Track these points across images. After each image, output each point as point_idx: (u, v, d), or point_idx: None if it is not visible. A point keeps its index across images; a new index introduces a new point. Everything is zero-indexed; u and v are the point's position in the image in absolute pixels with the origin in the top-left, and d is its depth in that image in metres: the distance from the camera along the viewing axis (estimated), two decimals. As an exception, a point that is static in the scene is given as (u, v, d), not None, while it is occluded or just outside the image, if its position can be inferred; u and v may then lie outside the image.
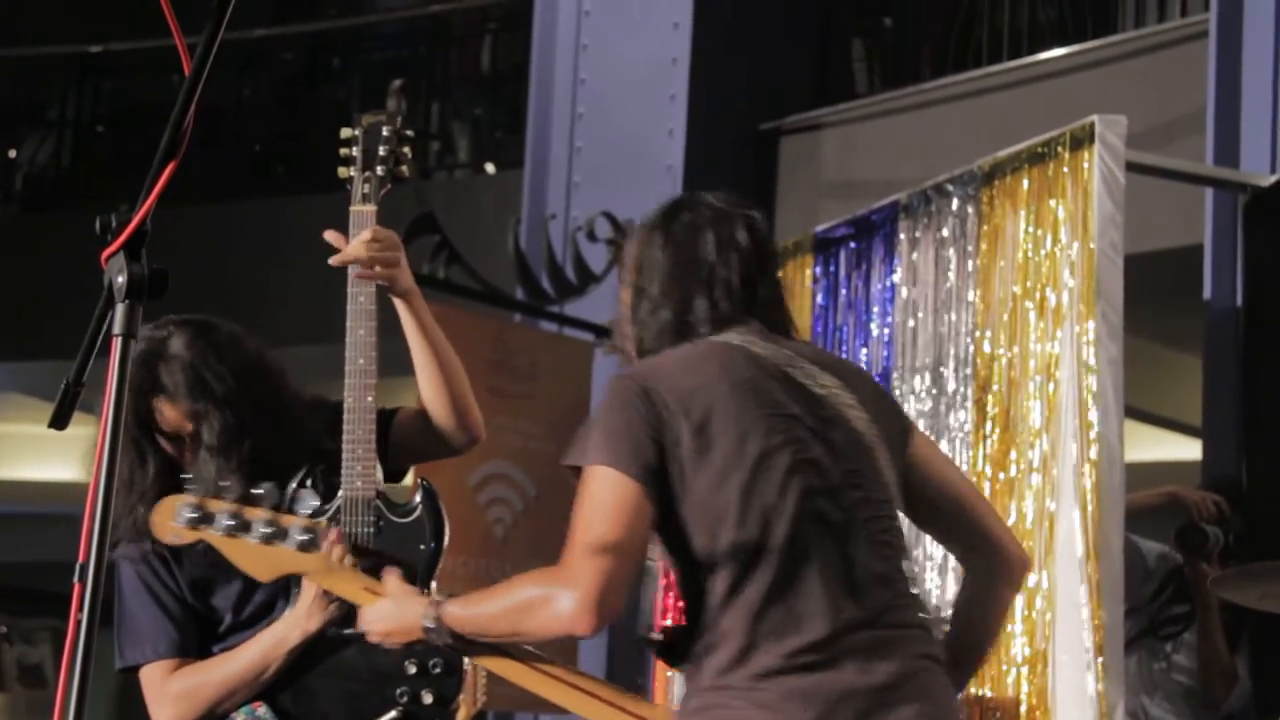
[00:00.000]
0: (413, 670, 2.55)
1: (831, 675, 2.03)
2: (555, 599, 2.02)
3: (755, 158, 6.30)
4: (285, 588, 2.57)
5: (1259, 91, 4.74)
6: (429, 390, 2.62)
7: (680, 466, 2.07)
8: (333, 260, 2.57)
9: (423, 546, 2.59)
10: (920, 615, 2.16)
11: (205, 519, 2.31)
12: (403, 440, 2.66)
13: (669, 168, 6.03)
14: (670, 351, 2.18)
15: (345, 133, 2.63)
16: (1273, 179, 4.48)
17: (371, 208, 2.60)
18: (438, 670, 2.56)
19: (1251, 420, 4.42)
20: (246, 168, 9.08)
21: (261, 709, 2.55)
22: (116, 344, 1.69)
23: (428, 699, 2.56)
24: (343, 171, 2.63)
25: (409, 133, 2.67)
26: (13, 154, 9.82)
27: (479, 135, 8.58)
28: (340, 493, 2.56)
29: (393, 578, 2.30)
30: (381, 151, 2.61)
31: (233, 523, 2.32)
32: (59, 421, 1.85)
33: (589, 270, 6.02)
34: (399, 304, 2.59)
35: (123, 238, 1.68)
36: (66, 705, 1.60)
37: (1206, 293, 4.68)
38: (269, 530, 2.33)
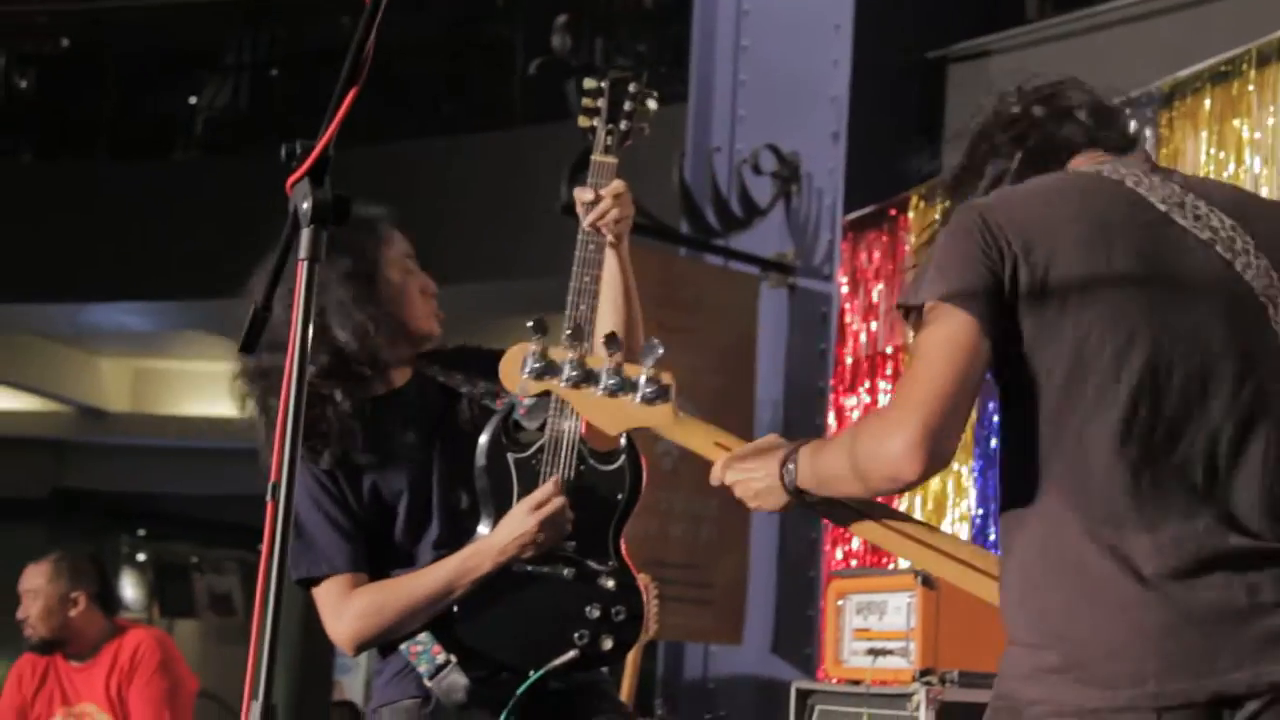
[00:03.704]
0: (595, 614, 2.56)
1: (1190, 591, 1.74)
2: (883, 442, 1.83)
3: (922, 87, 6.19)
4: (471, 509, 2.61)
5: None
6: None
7: (1016, 309, 1.84)
8: (589, 219, 2.61)
9: (620, 496, 2.62)
10: None
11: (550, 369, 2.18)
12: None
13: (834, 99, 5.96)
14: (1029, 182, 1.95)
15: (590, 83, 2.68)
16: None
17: (614, 160, 2.65)
18: (620, 617, 2.57)
19: None
20: (414, 107, 9.22)
21: (441, 654, 2.56)
22: (302, 268, 1.74)
23: (607, 644, 2.57)
24: (583, 121, 2.67)
25: (654, 91, 2.70)
26: (193, 100, 10.12)
27: (642, 70, 8.57)
28: (547, 431, 2.60)
29: (765, 439, 2.13)
30: (627, 106, 2.66)
31: (577, 374, 2.17)
32: (249, 345, 1.91)
33: (754, 203, 5.99)
34: (611, 258, 2.63)
35: (307, 164, 1.73)
36: (263, 621, 1.66)
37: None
38: (614, 381, 2.17)
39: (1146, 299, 1.83)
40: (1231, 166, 4.05)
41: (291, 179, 1.75)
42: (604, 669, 2.67)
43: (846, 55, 5.98)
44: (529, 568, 2.57)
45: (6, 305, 9.62)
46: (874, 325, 5.43)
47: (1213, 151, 4.11)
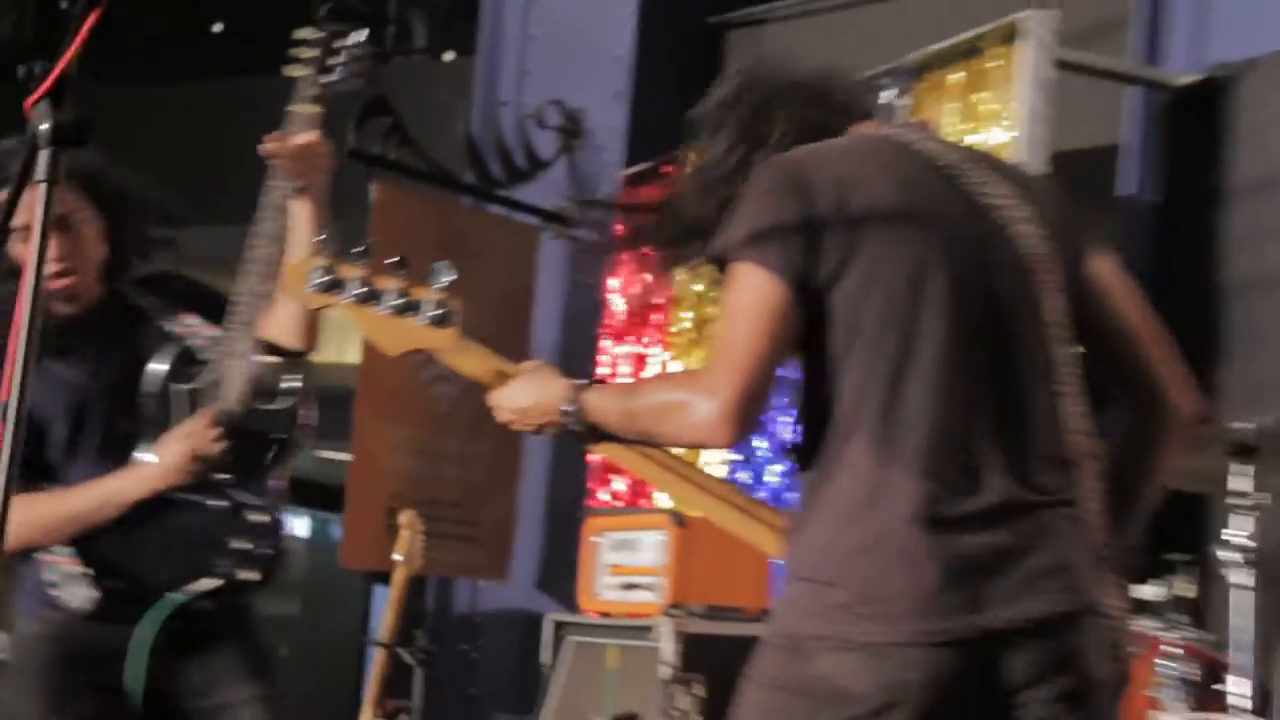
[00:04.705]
0: (239, 546, 2.63)
1: (967, 536, 1.86)
2: (694, 407, 1.88)
3: (703, 51, 6.36)
4: (133, 434, 2.62)
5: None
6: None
7: (828, 268, 1.90)
8: (268, 148, 2.61)
9: (280, 435, 2.69)
10: (1089, 456, 1.95)
11: (336, 285, 2.16)
12: None
13: (617, 58, 6.09)
14: (830, 141, 2.02)
15: (303, 33, 2.67)
16: (1195, 77, 4.57)
17: (317, 109, 2.64)
18: (263, 551, 2.64)
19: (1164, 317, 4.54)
20: (205, 48, 9.07)
21: (74, 567, 2.59)
22: (40, 190, 1.76)
23: (247, 575, 2.63)
24: (294, 70, 2.66)
25: (370, 47, 2.70)
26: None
27: (436, 22, 8.59)
28: (215, 367, 2.64)
29: (532, 364, 2.17)
30: (340, 59, 2.66)
31: (364, 290, 2.16)
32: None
33: (537, 157, 6.10)
34: (299, 205, 2.63)
35: (46, 85, 1.76)
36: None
37: (1126, 189, 4.80)
38: (400, 301, 2.14)
39: (948, 260, 1.92)
40: (976, 136, 4.29)
41: (30, 100, 1.78)
42: (251, 596, 2.72)
43: (632, 16, 6.11)
44: (184, 495, 2.61)
45: None
46: (642, 278, 5.61)
47: (959, 124, 4.35)
